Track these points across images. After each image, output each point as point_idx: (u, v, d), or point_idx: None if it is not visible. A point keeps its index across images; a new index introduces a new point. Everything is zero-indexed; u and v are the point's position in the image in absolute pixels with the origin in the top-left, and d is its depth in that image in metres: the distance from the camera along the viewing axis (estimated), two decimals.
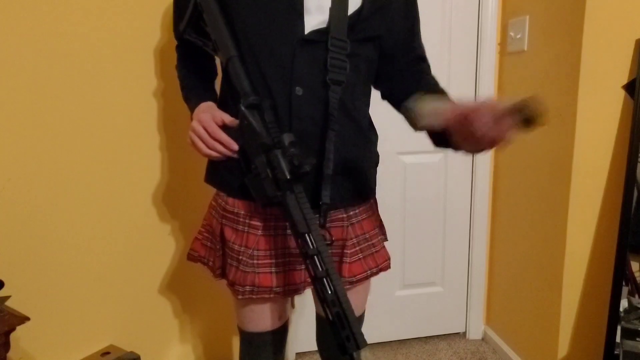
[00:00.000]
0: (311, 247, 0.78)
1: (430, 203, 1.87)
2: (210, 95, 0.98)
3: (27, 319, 1.16)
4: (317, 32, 0.84)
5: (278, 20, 0.83)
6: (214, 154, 0.85)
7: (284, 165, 0.80)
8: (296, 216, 0.79)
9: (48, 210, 1.36)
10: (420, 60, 0.99)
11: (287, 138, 0.80)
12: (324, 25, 0.84)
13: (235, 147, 0.84)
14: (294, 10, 0.83)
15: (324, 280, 0.76)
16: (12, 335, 1.17)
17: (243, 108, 0.82)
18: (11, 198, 1.31)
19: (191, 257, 1.03)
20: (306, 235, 0.78)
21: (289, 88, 0.85)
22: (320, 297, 0.77)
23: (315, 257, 0.77)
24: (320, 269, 0.77)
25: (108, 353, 1.43)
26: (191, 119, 0.93)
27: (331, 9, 0.84)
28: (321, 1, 0.84)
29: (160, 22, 1.39)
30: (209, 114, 0.87)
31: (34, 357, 1.39)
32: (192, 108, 0.95)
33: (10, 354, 1.21)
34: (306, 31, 0.84)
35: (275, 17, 0.83)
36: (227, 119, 0.85)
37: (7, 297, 1.19)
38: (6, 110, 1.28)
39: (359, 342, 0.74)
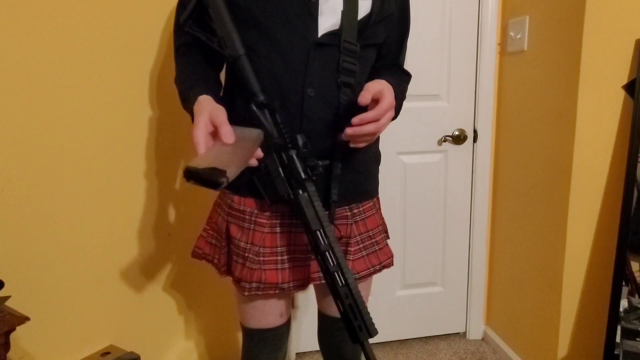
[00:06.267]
0: (323, 243, 0.80)
1: (430, 203, 1.87)
2: (212, 86, 0.91)
3: (27, 319, 1.16)
4: (329, 35, 0.85)
5: (292, 21, 0.84)
6: None
7: (299, 165, 0.82)
8: (309, 214, 0.81)
9: (48, 210, 1.35)
10: (397, 67, 1.05)
11: (300, 139, 0.82)
12: (336, 28, 0.85)
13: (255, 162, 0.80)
14: (308, 13, 0.84)
15: (336, 274, 0.80)
16: (12, 335, 1.16)
17: (254, 108, 0.82)
18: (11, 198, 1.31)
19: (196, 254, 1.04)
20: (318, 231, 0.80)
21: (301, 89, 0.86)
22: (333, 290, 0.80)
23: (327, 252, 0.80)
24: (332, 264, 0.80)
25: (108, 353, 1.43)
26: (191, 114, 0.85)
27: (343, 12, 0.85)
28: (334, 4, 0.85)
29: (161, 21, 1.39)
30: (206, 116, 0.75)
31: (34, 357, 1.39)
32: (192, 99, 0.84)
33: (10, 354, 1.21)
34: (319, 33, 0.85)
35: (289, 18, 0.84)
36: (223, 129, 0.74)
37: (7, 297, 1.19)
38: (6, 110, 1.28)
39: (370, 331, 0.79)
